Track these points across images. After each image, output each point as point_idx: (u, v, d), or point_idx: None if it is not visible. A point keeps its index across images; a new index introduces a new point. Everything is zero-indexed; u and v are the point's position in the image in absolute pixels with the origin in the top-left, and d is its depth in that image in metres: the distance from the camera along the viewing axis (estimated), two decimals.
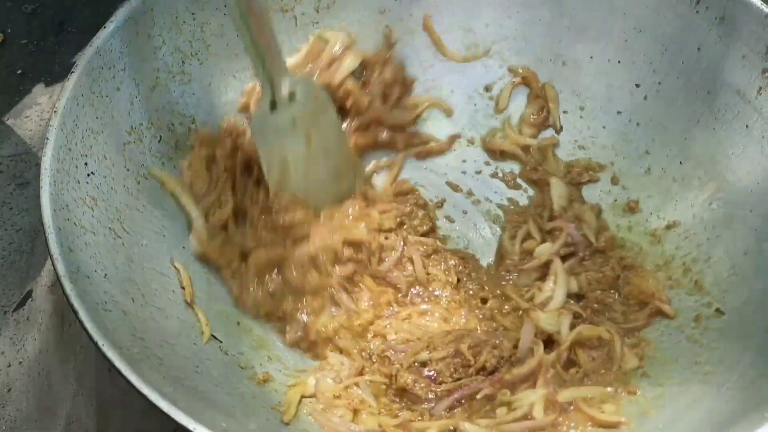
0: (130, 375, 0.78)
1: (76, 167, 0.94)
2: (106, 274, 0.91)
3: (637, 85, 1.20)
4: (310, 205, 1.11)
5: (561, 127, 1.25)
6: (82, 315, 0.80)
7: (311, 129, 1.12)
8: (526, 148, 1.25)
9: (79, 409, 1.05)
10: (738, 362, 0.96)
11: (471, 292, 1.12)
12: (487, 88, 1.28)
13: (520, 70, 1.27)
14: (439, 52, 1.27)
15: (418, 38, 1.26)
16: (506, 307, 1.10)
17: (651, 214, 1.18)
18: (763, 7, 1.06)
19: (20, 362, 1.10)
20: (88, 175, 0.96)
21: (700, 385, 0.96)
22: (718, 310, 1.04)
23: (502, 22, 1.26)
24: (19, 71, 1.45)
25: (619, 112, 1.22)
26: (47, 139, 0.92)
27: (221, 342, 1.00)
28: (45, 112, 1.39)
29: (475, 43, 1.27)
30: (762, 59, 1.06)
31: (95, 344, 0.79)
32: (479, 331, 1.07)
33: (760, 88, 1.07)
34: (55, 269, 0.83)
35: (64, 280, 0.82)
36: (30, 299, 1.15)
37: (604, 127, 1.24)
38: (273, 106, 1.09)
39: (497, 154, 1.26)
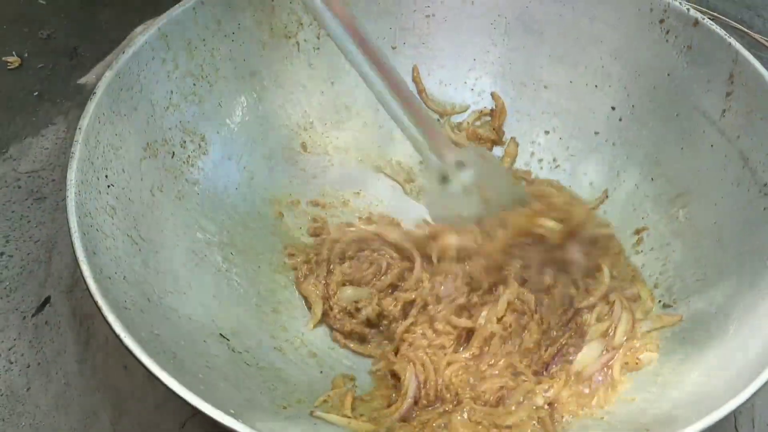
0: (148, 362, 0.82)
1: (98, 179, 0.99)
2: (125, 276, 0.95)
3: (613, 108, 1.26)
4: None
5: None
6: (105, 311, 0.85)
7: (485, 189, 1.14)
8: None
9: (96, 405, 1.08)
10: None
11: None
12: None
13: (500, 101, 1.33)
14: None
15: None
16: None
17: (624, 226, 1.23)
18: (726, 36, 1.11)
19: (38, 363, 1.13)
20: (108, 186, 1.00)
21: None
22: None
23: (489, 48, 1.31)
24: (36, 93, 1.48)
25: (596, 133, 1.28)
26: (72, 153, 0.97)
27: (228, 340, 1.05)
28: (60, 131, 1.42)
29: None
30: (725, 84, 1.12)
31: (117, 337, 0.84)
32: None
33: (724, 110, 1.12)
34: (80, 270, 0.88)
35: (89, 280, 0.87)
36: (48, 305, 1.18)
37: (581, 145, 1.30)
38: (443, 180, 1.13)
39: None
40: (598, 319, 1.13)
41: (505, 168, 1.24)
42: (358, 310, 1.13)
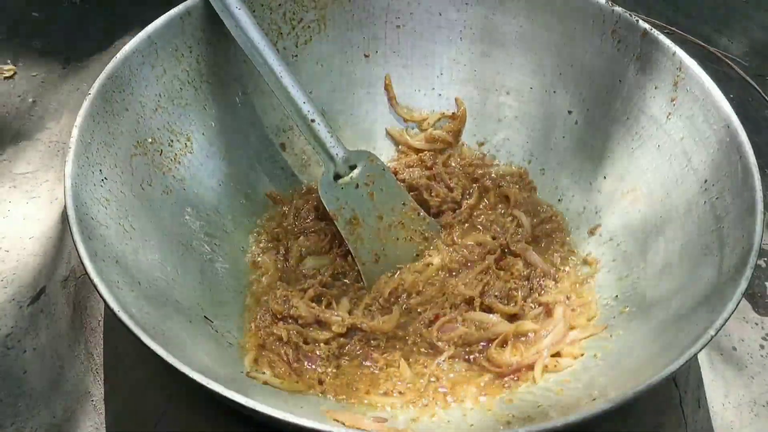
0: (139, 333, 0.88)
1: (92, 173, 1.05)
2: (117, 261, 1.01)
3: (570, 112, 1.32)
4: (389, 260, 1.25)
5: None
6: (101, 288, 0.91)
7: (372, 188, 1.26)
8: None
9: (89, 385, 1.12)
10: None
11: None
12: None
13: (462, 107, 1.40)
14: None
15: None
16: None
17: (580, 220, 1.31)
18: (672, 46, 1.19)
19: (34, 348, 1.16)
20: (102, 180, 1.06)
21: None
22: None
23: (455, 57, 1.38)
24: (31, 99, 1.52)
25: (554, 135, 1.35)
26: (69, 147, 1.02)
27: (212, 322, 1.11)
28: (53, 135, 1.45)
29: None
30: (671, 89, 1.19)
31: (111, 310, 0.90)
32: None
33: (669, 113, 1.20)
34: (77, 252, 0.94)
35: (85, 260, 0.93)
36: (43, 294, 1.21)
37: (541, 146, 1.36)
38: (336, 177, 1.25)
39: None
40: (533, 320, 1.20)
41: (390, 171, 1.31)
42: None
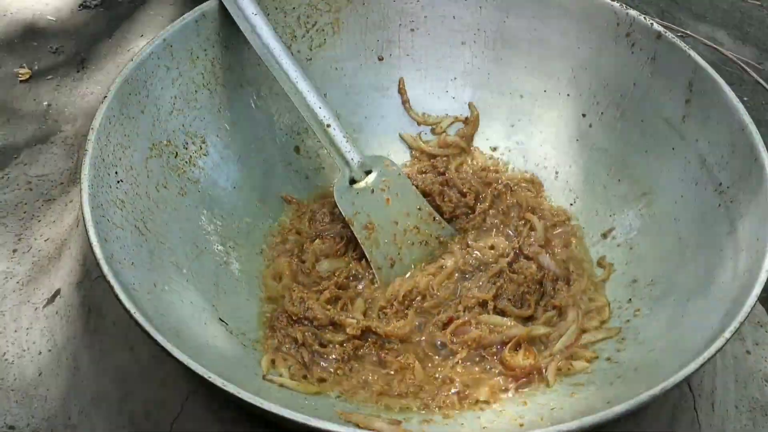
0: (155, 334, 0.88)
1: (108, 174, 1.05)
2: (132, 263, 1.01)
3: (584, 115, 1.32)
4: (404, 265, 1.26)
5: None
6: (117, 290, 0.91)
7: (387, 194, 1.27)
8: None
9: (104, 386, 1.12)
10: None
11: None
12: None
13: (475, 112, 1.41)
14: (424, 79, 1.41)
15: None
16: None
17: (593, 223, 1.30)
18: (686, 48, 1.19)
19: (49, 350, 1.18)
20: (118, 182, 1.06)
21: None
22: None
23: (469, 60, 1.38)
24: (45, 103, 1.54)
25: (568, 138, 1.35)
26: (86, 150, 1.03)
27: (227, 324, 1.11)
28: (68, 138, 1.47)
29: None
30: (685, 92, 1.19)
31: (127, 312, 0.90)
32: None
33: (684, 116, 1.20)
34: (93, 254, 0.94)
35: (101, 262, 0.94)
36: (58, 296, 1.22)
37: (554, 150, 1.36)
38: (352, 182, 1.25)
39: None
40: (546, 323, 1.20)
41: (407, 177, 1.31)
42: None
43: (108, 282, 0.93)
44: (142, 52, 1.15)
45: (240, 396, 0.86)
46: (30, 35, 1.67)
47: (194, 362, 0.88)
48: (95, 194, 1.02)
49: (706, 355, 0.91)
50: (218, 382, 0.87)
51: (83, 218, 0.98)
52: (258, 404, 0.85)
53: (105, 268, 0.94)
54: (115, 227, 1.03)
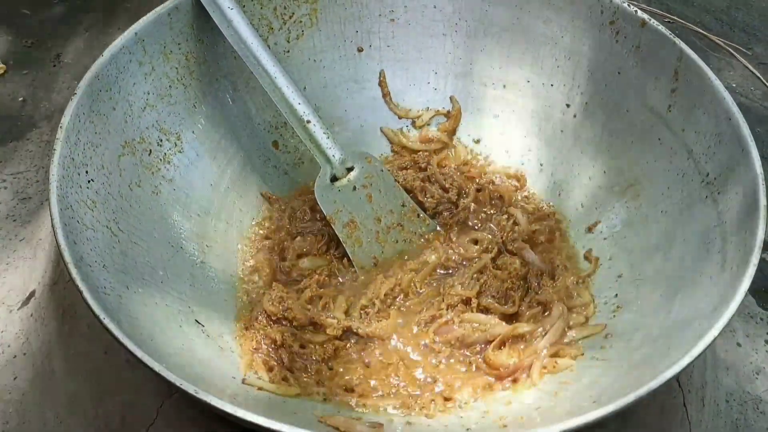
0: (126, 342, 0.86)
1: (78, 174, 1.03)
2: (104, 265, 0.99)
3: (568, 105, 1.31)
4: (386, 257, 1.25)
5: None
6: (86, 294, 0.89)
7: (370, 190, 1.25)
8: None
9: (79, 389, 1.11)
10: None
11: None
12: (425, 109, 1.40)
13: (456, 106, 1.38)
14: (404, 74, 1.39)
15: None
16: None
17: (578, 216, 1.29)
18: (671, 36, 1.17)
19: (24, 353, 1.16)
20: (89, 181, 1.04)
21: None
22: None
23: (450, 50, 1.36)
24: (21, 98, 1.52)
25: (552, 129, 1.33)
26: (54, 149, 1.00)
27: (203, 326, 1.09)
28: (44, 134, 1.46)
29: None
30: (671, 81, 1.17)
31: (97, 318, 0.88)
32: None
33: (670, 106, 1.18)
34: (62, 258, 0.92)
35: (70, 266, 0.91)
36: (33, 298, 1.21)
37: (538, 141, 1.34)
38: (333, 179, 1.23)
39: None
40: (531, 320, 1.18)
41: (390, 173, 1.29)
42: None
43: (76, 286, 0.91)
44: (112, 46, 1.13)
45: (216, 405, 0.84)
46: (5, 29, 1.65)
47: (166, 370, 0.86)
48: (64, 195, 1.00)
49: (696, 351, 0.89)
50: (190, 389, 0.85)
51: (51, 220, 0.96)
52: (233, 413, 0.83)
53: (73, 272, 0.92)
54: (86, 228, 1.01)
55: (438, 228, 1.29)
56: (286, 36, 1.32)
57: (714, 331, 0.91)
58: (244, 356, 1.10)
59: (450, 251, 1.24)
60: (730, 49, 1.71)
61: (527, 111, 1.36)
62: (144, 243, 1.11)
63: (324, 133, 1.21)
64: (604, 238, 1.25)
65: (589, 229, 1.27)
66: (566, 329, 1.15)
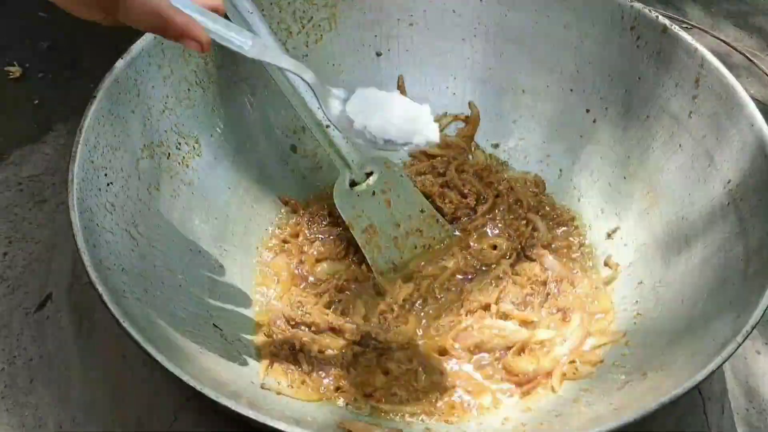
0: (145, 345, 0.86)
1: (98, 177, 1.02)
2: (123, 268, 0.99)
3: (588, 111, 1.30)
4: (405, 262, 1.24)
5: None
6: (105, 298, 0.88)
7: (389, 195, 1.24)
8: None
9: (96, 393, 1.11)
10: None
11: None
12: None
13: (475, 111, 1.38)
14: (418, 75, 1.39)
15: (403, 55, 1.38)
16: None
17: (598, 222, 1.28)
18: (692, 41, 1.16)
19: (41, 356, 1.15)
20: (108, 184, 1.04)
21: None
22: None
23: (469, 55, 1.35)
24: (36, 101, 1.51)
25: (572, 135, 1.32)
26: (74, 153, 1.00)
27: (221, 330, 1.08)
28: (60, 138, 1.44)
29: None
30: (692, 87, 1.16)
31: (116, 321, 0.87)
32: None
33: (690, 112, 1.17)
34: (82, 260, 0.91)
35: (89, 269, 0.91)
36: (49, 301, 1.20)
37: (558, 147, 1.34)
38: (353, 184, 1.22)
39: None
40: (550, 326, 1.17)
41: (409, 178, 1.29)
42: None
43: (96, 289, 0.90)
44: (132, 49, 1.12)
45: (235, 409, 0.84)
46: (21, 32, 1.64)
47: (185, 374, 0.85)
48: (84, 198, 0.99)
49: (718, 360, 0.89)
50: (211, 394, 0.84)
51: (71, 224, 0.96)
52: (254, 417, 0.83)
53: (93, 275, 0.91)
54: (105, 231, 1.01)
55: (457, 233, 1.28)
56: (304, 40, 1.31)
57: (738, 339, 0.90)
58: (262, 361, 1.09)
59: (469, 257, 1.24)
60: (749, 57, 1.70)
61: (546, 116, 1.35)
62: (162, 246, 1.10)
63: (343, 137, 1.20)
64: (624, 245, 1.24)
65: (609, 235, 1.26)
66: (586, 336, 1.14)
